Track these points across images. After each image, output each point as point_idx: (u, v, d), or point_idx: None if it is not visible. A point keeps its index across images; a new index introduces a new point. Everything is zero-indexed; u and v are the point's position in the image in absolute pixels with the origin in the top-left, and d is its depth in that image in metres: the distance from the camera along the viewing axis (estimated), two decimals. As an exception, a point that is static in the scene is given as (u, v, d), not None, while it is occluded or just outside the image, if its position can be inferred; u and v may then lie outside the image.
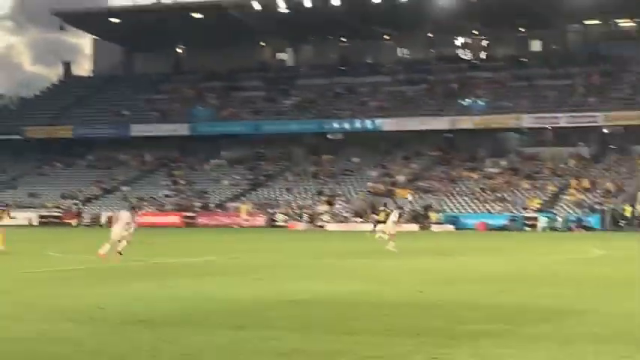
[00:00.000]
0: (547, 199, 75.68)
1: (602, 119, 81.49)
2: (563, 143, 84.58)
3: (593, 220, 70.99)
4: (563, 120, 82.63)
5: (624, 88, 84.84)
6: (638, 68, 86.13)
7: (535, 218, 72.15)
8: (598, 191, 75.61)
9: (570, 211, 73.18)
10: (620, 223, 69.99)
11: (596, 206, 73.00)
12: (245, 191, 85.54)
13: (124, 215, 34.55)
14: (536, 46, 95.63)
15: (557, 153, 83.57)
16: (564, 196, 75.88)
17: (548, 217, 71.72)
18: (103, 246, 32.37)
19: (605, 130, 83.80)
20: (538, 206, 74.19)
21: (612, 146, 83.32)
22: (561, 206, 74.37)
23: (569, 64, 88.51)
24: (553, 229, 69.89)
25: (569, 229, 69.34)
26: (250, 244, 46.35)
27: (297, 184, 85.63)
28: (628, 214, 70.98)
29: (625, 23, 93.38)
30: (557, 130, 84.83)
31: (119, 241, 32.69)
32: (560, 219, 71.55)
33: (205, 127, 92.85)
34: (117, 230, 33.08)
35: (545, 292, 22.19)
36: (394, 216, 42.77)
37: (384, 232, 42.03)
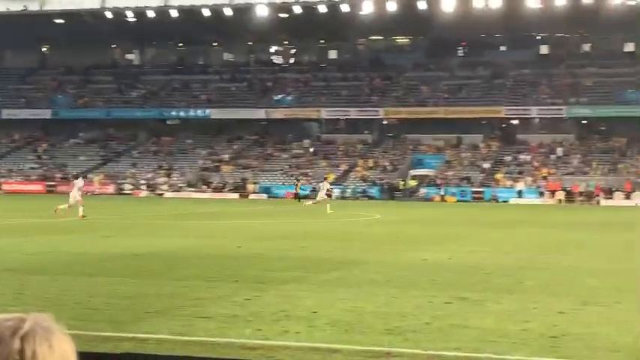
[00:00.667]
0: (340, 174, 76.82)
1: (382, 113, 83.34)
2: (353, 131, 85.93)
3: (374, 191, 72.52)
4: (353, 113, 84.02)
5: (399, 89, 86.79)
6: (410, 74, 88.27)
7: (330, 189, 72.95)
8: (379, 169, 77.32)
9: (357, 184, 74.56)
10: (395, 194, 71.76)
11: (377, 180, 74.63)
12: (98, 165, 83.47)
13: (79, 183, 35.76)
14: (333, 54, 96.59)
15: (348, 139, 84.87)
16: (353, 172, 77.23)
17: (340, 189, 72.81)
18: (62, 206, 34.52)
19: (384, 122, 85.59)
20: (333, 180, 75.15)
21: (390, 134, 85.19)
22: (351, 180, 75.67)
23: (358, 70, 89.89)
24: (344, 197, 71.05)
25: (357, 198, 70.64)
26: (101, 209, 45.28)
27: (141, 160, 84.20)
28: (401, 187, 72.88)
29: (400, 39, 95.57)
30: (348, 120, 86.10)
31: (76, 205, 34.23)
32: (349, 190, 72.78)
33: (65, 113, 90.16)
34: (73, 194, 34.82)
35: (338, 246, 22.56)
36: (324, 187, 44.29)
37: (317, 200, 44.61)
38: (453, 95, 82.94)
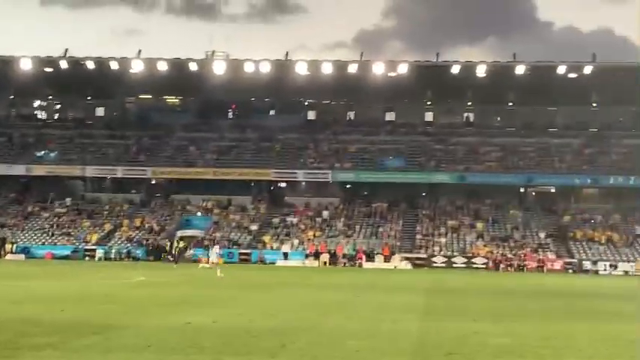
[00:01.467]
0: (104, 234, 74.92)
1: (150, 173, 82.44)
2: (119, 190, 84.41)
3: (140, 252, 71.26)
4: (120, 172, 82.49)
5: (168, 149, 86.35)
6: (180, 134, 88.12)
7: (94, 250, 71.15)
8: (145, 229, 76.13)
9: (122, 244, 72.98)
10: (161, 256, 70.79)
11: (143, 241, 73.40)
12: None
13: None
14: (100, 112, 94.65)
15: (114, 198, 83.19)
16: (118, 233, 75.56)
17: (104, 249, 71.04)
18: None
19: (152, 182, 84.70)
20: (96, 240, 73.24)
21: (158, 194, 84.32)
22: (115, 240, 73.97)
23: (126, 128, 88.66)
24: (108, 259, 69.33)
25: (121, 259, 69.12)
26: None
27: None
28: (168, 248, 72.02)
29: (170, 99, 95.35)
30: (114, 179, 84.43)
31: None
32: (114, 251, 71.11)
33: None
34: None
35: (98, 309, 21.86)
36: (216, 249, 43.03)
37: (211, 262, 45.03)
38: (223, 157, 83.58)
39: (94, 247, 71.77)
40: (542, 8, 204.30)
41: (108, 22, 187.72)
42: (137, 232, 75.54)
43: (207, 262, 46.98)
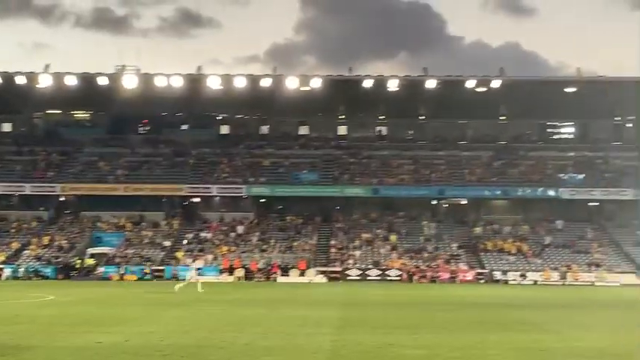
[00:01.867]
0: (12, 252, 73.01)
1: (59, 189, 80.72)
2: (28, 207, 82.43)
3: (49, 270, 69.67)
4: (28, 189, 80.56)
5: (78, 165, 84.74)
6: (89, 150, 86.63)
7: (1, 269, 69.24)
8: (54, 247, 74.49)
9: (31, 263, 71.22)
10: (70, 274, 69.37)
11: (52, 259, 71.82)
12: None
13: None
14: (7, 127, 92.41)
15: (22, 215, 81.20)
16: (26, 251, 73.73)
17: (12, 268, 69.24)
18: None
19: (61, 198, 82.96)
20: (3, 259, 71.32)
21: (67, 211, 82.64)
22: (23, 259, 72.15)
23: (34, 144, 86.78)
24: (16, 278, 67.58)
25: (30, 278, 67.47)
26: None
27: None
28: (78, 265, 70.63)
29: (80, 114, 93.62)
30: (22, 196, 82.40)
31: None
32: (22, 270, 69.36)
33: None
34: None
35: (7, 330, 21.28)
36: (195, 266, 48.65)
37: (190, 279, 47.23)
38: (134, 172, 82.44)
39: (1, 266, 69.83)
40: (452, 23, 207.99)
41: (15, 36, 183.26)
42: (46, 250, 73.84)
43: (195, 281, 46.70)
